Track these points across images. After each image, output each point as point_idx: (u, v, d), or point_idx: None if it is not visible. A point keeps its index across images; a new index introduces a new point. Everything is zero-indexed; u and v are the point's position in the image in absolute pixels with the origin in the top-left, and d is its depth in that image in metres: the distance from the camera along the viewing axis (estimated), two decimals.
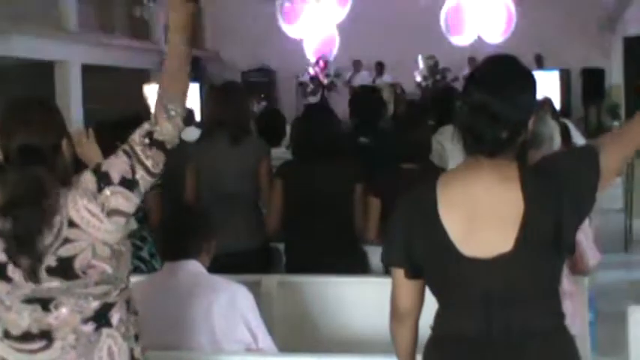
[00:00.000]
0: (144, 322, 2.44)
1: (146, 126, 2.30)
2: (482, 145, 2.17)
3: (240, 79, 16.44)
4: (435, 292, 2.29)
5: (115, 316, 2.28)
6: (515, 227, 2.13)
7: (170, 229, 3.24)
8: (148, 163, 2.25)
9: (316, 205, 4.34)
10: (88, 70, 14.41)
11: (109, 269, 2.22)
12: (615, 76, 15.12)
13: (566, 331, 2.25)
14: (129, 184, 2.22)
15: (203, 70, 17.64)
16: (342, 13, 16.53)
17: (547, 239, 2.13)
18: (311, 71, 16.49)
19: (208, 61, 18.31)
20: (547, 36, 15.67)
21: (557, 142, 3.67)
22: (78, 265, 2.17)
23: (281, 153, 5.65)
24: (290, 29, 16.80)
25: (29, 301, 2.18)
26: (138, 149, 2.25)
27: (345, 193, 4.37)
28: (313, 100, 15.36)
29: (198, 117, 9.64)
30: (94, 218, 2.18)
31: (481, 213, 2.16)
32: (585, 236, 3.44)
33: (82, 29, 14.55)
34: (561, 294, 3.29)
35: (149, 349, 2.49)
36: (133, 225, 2.36)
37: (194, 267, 3.15)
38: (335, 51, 17.10)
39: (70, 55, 13.95)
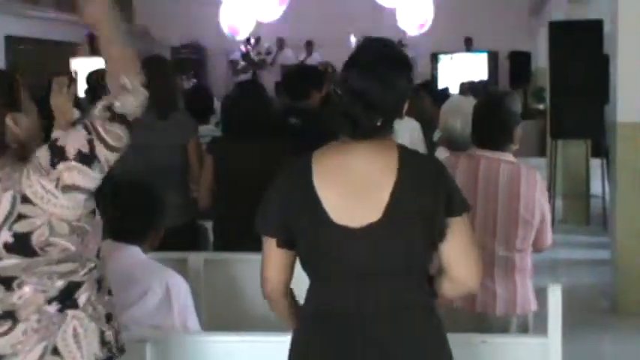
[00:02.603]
0: None
1: (105, 100, 2.21)
2: (357, 131, 2.19)
3: (169, 55, 16.25)
4: (306, 265, 2.28)
5: (83, 297, 2.20)
6: (386, 197, 2.15)
7: (114, 206, 3.09)
8: (108, 137, 2.15)
9: (245, 183, 4.30)
10: (12, 42, 14.07)
11: (71, 247, 2.14)
12: (541, 60, 15.40)
13: (433, 312, 2.28)
14: (86, 159, 2.12)
15: (132, 45, 17.34)
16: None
17: (415, 214, 2.15)
18: (242, 48, 16.39)
19: (137, 36, 18.03)
20: (476, 19, 15.90)
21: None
22: (35, 241, 2.09)
23: (210, 130, 5.61)
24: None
25: None
26: (97, 124, 2.15)
27: (273, 171, 4.34)
28: (244, 78, 15.29)
29: None
30: (48, 194, 2.09)
31: (355, 182, 2.18)
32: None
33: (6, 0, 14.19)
34: (512, 269, 3.38)
35: None
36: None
37: (133, 253, 3.09)
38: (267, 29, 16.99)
39: None
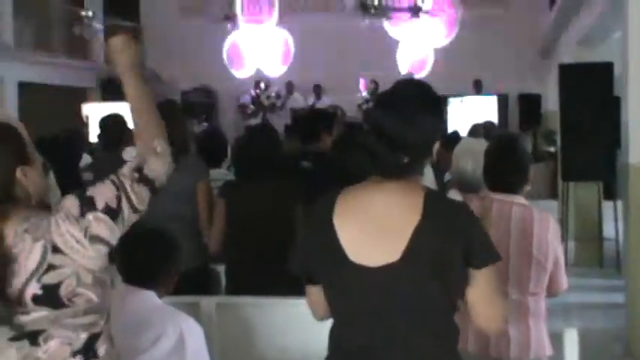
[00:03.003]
0: None
1: (135, 161, 2.23)
2: (380, 169, 2.19)
3: (179, 98, 16.36)
4: (327, 301, 2.29)
5: (102, 348, 2.19)
6: (407, 238, 2.13)
7: (131, 250, 3.06)
8: (134, 198, 2.17)
9: (257, 226, 4.31)
10: (24, 88, 14.19)
11: (94, 297, 2.13)
12: (551, 102, 15.42)
13: (451, 353, 2.25)
14: (113, 213, 2.14)
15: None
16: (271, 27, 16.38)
17: (433, 259, 2.12)
18: (252, 92, 16.48)
19: (148, 80, 18.15)
20: (486, 62, 15.97)
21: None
22: (64, 292, 2.07)
23: (222, 174, 5.60)
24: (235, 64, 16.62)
25: (17, 338, 2.08)
26: (126, 182, 2.18)
27: (286, 214, 4.35)
28: (254, 121, 15.35)
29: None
30: (78, 244, 2.09)
31: (375, 222, 2.17)
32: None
33: (19, 46, 14.34)
34: (525, 312, 3.34)
35: None
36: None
37: (147, 297, 3.07)
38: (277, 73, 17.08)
39: (6, 72, 13.73)
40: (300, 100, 16.34)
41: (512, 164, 3.50)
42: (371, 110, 2.27)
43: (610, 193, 9.90)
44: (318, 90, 16.71)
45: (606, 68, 8.93)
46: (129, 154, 5.44)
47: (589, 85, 8.92)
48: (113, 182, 2.18)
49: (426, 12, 15.64)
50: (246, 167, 4.46)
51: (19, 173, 2.16)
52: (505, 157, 3.54)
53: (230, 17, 16.25)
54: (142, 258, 3.10)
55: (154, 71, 18.47)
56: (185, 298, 3.66)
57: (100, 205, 2.12)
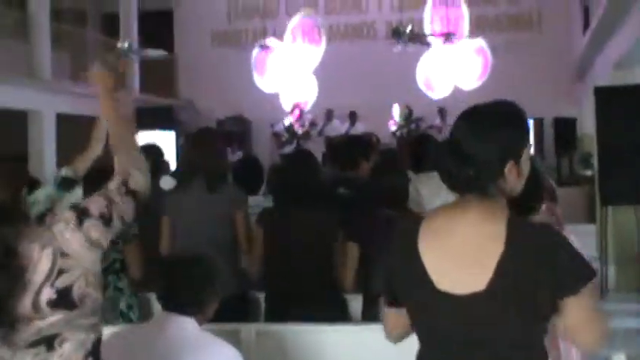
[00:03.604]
0: None
1: (118, 177, 2.43)
2: (452, 183, 2.19)
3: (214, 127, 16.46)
4: (412, 326, 2.29)
5: (102, 351, 2.33)
6: (492, 268, 2.10)
7: (171, 277, 3.10)
8: (122, 210, 2.36)
9: (296, 253, 4.32)
10: (62, 119, 14.36)
11: (100, 297, 2.30)
12: (587, 126, 15.31)
13: None
14: (106, 221, 2.32)
15: (177, 119, 17.68)
16: (317, 54, 16.46)
17: (521, 288, 2.09)
18: (286, 121, 16.54)
19: (182, 110, 18.37)
20: (520, 85, 15.88)
21: None
22: (76, 293, 2.22)
23: (259, 201, 5.62)
24: (264, 82, 16.76)
25: (33, 344, 2.19)
26: (115, 197, 2.37)
27: (324, 241, 4.35)
28: (288, 150, 15.39)
29: (173, 166, 9.61)
30: (82, 248, 2.25)
31: (461, 249, 2.15)
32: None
33: (57, 78, 14.53)
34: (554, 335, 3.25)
35: None
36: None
37: (188, 325, 3.04)
38: (311, 101, 17.15)
39: (44, 104, 13.93)
40: (339, 127, 16.34)
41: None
42: (451, 127, 2.26)
43: None
44: (353, 117, 16.72)
45: None
46: (166, 183, 5.49)
47: (625, 108, 8.84)
48: (104, 196, 2.36)
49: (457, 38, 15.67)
50: (285, 194, 4.47)
51: (24, 193, 2.40)
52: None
53: (264, 47, 16.38)
54: (182, 284, 3.10)
55: (190, 101, 18.68)
56: (225, 326, 3.66)
57: (94, 213, 2.30)
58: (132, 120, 2.65)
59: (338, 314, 4.34)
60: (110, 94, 2.72)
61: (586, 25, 13.49)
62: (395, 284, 2.26)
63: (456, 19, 16.81)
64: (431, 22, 16.00)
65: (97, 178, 2.92)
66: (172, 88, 19.30)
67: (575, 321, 2.14)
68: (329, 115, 16.93)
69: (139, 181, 2.43)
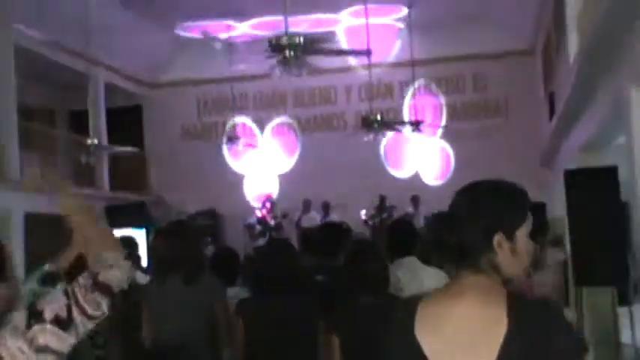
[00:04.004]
0: None
1: (90, 270, 2.29)
2: (441, 251, 2.16)
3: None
4: None
5: None
6: (495, 351, 2.05)
7: None
8: (87, 305, 2.21)
9: (277, 342, 4.25)
10: (31, 219, 14.22)
11: None
12: (557, 210, 15.44)
13: None
14: (62, 323, 2.17)
15: (149, 215, 17.59)
16: (288, 163, 16.72)
17: None
18: (258, 213, 16.54)
19: (153, 205, 18.29)
20: (488, 171, 15.93)
21: None
22: None
23: (236, 292, 5.53)
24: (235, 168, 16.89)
25: None
26: (78, 291, 2.22)
27: (305, 329, 4.29)
28: (261, 242, 15.34)
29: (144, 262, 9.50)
30: (23, 355, 2.12)
31: (461, 333, 2.09)
32: None
33: (26, 178, 14.44)
34: None
35: None
36: None
37: None
38: (276, 193, 17.27)
39: (13, 204, 13.81)
40: (315, 218, 16.35)
41: None
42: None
43: (624, 299, 9.79)
44: (326, 207, 16.76)
45: (611, 172, 8.95)
46: (141, 278, 5.42)
47: (595, 190, 8.92)
48: (65, 292, 2.22)
49: (427, 126, 15.91)
50: (263, 283, 4.42)
51: None
52: None
53: (232, 139, 16.53)
54: None
55: (161, 196, 18.64)
56: None
57: (48, 316, 2.16)
58: (94, 217, 2.53)
59: None
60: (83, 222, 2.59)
61: (552, 110, 13.73)
62: None
63: (423, 107, 17.13)
64: (402, 110, 16.30)
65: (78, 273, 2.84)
66: (143, 183, 19.27)
67: None
68: (306, 206, 16.93)
69: (111, 275, 2.26)
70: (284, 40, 8.95)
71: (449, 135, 17.63)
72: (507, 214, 2.20)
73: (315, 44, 9.34)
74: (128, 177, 18.38)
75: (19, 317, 2.17)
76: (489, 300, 2.11)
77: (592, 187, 8.95)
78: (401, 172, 16.57)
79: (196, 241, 4.91)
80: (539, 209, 15.86)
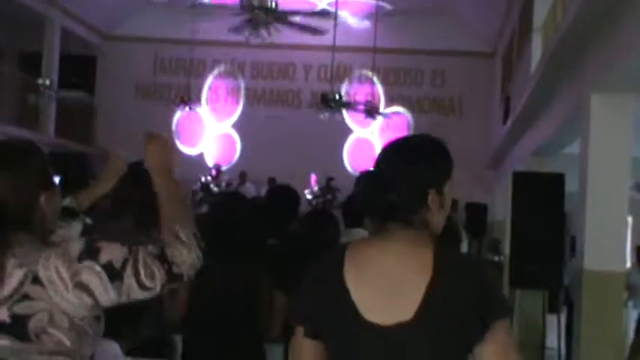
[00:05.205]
0: None
1: (162, 243, 2.13)
2: (374, 210, 2.15)
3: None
4: (332, 358, 2.18)
5: None
6: (419, 297, 2.06)
7: None
8: (142, 270, 2.05)
9: (220, 300, 4.20)
10: None
11: (66, 341, 2.02)
12: (498, 212, 15.67)
13: None
14: (112, 273, 2.03)
15: (93, 168, 17.33)
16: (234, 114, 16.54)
17: (448, 317, 2.06)
18: (203, 179, 16.46)
19: (99, 159, 18.02)
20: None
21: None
22: (32, 326, 1.98)
23: None
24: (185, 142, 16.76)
25: None
26: (141, 252, 2.07)
27: (250, 289, 4.25)
28: (204, 209, 15.24)
29: None
30: (61, 282, 1.99)
31: (388, 279, 2.10)
32: None
33: None
34: None
35: None
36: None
37: (112, 348, 3.02)
38: (234, 161, 17.20)
39: None
40: (252, 190, 16.32)
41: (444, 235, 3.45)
42: (380, 152, 2.23)
43: (554, 306, 9.99)
44: (272, 183, 16.71)
45: (558, 179, 9.10)
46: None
47: (541, 195, 9.06)
48: (129, 247, 2.08)
49: (382, 114, 15.99)
50: (216, 239, 4.35)
51: (42, 199, 2.14)
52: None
53: (186, 102, 16.40)
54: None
55: (105, 150, 18.36)
56: None
57: (102, 259, 2.03)
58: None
59: None
60: (166, 169, 2.45)
61: (506, 114, 13.91)
62: (317, 314, 2.16)
63: (379, 95, 17.21)
64: (355, 95, 16.33)
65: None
66: (89, 135, 18.99)
67: (494, 350, 2.10)
68: (243, 178, 16.91)
69: (178, 254, 2.11)
70: (256, 1, 8.91)
71: (400, 126, 17.77)
72: (439, 170, 2.22)
73: (286, 14, 9.33)
74: (75, 126, 18.07)
75: (75, 246, 2.04)
76: (416, 251, 2.13)
77: (538, 191, 9.10)
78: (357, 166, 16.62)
79: (150, 184, 4.81)
80: (480, 210, 16.15)
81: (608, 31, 6.30)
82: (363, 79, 18.19)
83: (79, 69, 18.78)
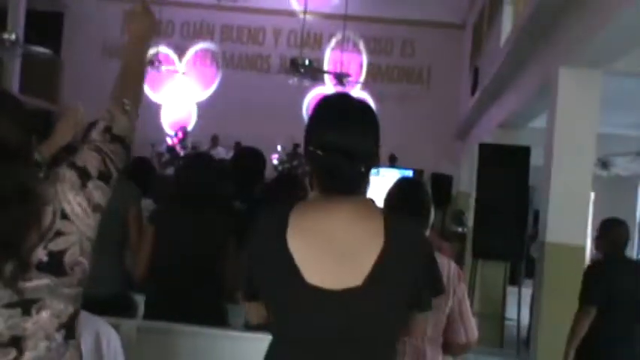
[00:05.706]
0: None
1: (102, 123, 2.22)
2: (340, 182, 2.10)
3: None
4: (273, 323, 2.15)
5: (79, 326, 2.10)
6: (370, 263, 2.04)
7: None
8: (114, 157, 2.16)
9: (185, 257, 4.18)
10: None
11: (88, 267, 2.07)
12: (463, 184, 15.76)
13: None
14: (105, 177, 2.12)
15: (54, 125, 17.10)
16: (204, 94, 16.52)
17: (398, 284, 2.05)
18: (169, 141, 16.34)
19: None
20: (404, 136, 16.25)
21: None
22: (68, 260, 2.00)
23: (149, 205, 5.41)
24: (151, 94, 16.66)
25: (11, 305, 1.95)
26: (102, 145, 2.16)
27: (216, 247, 4.23)
28: (169, 171, 15.14)
29: None
30: (83, 212, 2.05)
31: (335, 244, 2.06)
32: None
33: None
34: None
35: None
36: None
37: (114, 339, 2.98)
38: (192, 124, 17.08)
39: None
40: (223, 154, 16.24)
41: (415, 208, 3.44)
42: (319, 131, 2.15)
43: (515, 279, 10.10)
44: (238, 147, 16.66)
45: (524, 152, 9.17)
46: None
47: (506, 167, 9.13)
48: (95, 150, 2.15)
49: (350, 81, 15.94)
50: (181, 197, 4.32)
51: (34, 139, 2.14)
52: (407, 200, 3.48)
53: (153, 64, 16.23)
54: None
55: (75, 105, 18.12)
56: (106, 319, 3.50)
57: (94, 172, 2.10)
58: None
59: (218, 321, 4.21)
60: (143, 39, 2.49)
61: (475, 86, 13.94)
62: (258, 277, 2.13)
63: (349, 63, 17.15)
64: (327, 62, 16.25)
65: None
66: (54, 93, 18.74)
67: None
68: (214, 141, 16.80)
69: (123, 125, 2.23)
70: None
71: (370, 95, 17.74)
72: (378, 134, 2.19)
73: None
74: (40, 83, 17.79)
75: (70, 175, 2.07)
76: (366, 215, 2.10)
77: (504, 163, 9.17)
78: None
79: None
80: (445, 181, 16.24)
81: (579, 6, 6.31)
82: (335, 46, 18.13)
83: (46, 25, 18.47)
